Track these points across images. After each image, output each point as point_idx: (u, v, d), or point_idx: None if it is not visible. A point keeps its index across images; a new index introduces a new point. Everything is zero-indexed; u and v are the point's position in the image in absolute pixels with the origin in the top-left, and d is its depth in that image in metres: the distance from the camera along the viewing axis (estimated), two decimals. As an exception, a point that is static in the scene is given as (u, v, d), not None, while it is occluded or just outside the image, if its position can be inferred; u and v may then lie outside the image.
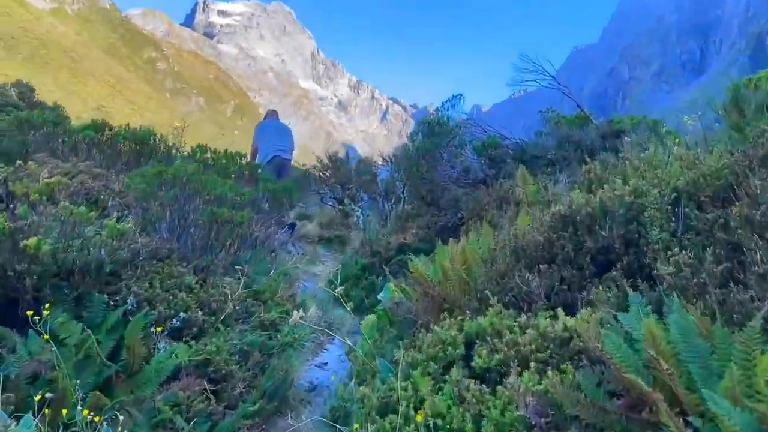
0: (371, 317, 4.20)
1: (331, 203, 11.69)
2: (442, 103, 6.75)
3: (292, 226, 9.08)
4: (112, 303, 3.26)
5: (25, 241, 2.84)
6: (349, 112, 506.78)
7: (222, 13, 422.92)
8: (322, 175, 11.71)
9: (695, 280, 2.16)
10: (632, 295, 2.21)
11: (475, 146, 5.49)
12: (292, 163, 10.56)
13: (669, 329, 1.81)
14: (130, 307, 3.24)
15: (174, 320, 3.28)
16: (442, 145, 5.40)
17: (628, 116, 7.42)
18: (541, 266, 2.79)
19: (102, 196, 4.21)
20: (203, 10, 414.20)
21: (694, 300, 2.10)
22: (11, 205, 3.24)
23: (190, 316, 3.33)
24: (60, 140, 4.62)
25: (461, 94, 6.21)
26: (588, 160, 5.57)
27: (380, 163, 11.45)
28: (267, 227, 5.79)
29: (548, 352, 2.28)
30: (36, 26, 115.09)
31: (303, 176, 12.10)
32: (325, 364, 4.39)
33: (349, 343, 3.76)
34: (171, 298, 3.36)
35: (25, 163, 4.03)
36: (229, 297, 3.62)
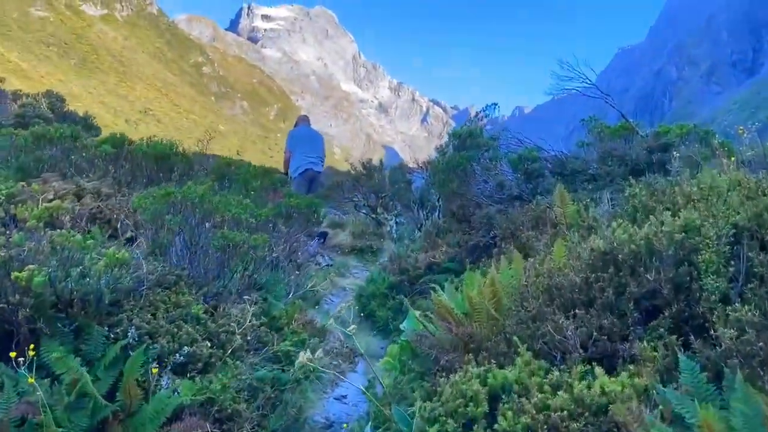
0: (394, 348, 3.91)
1: (364, 211, 11.50)
2: (477, 112, 6.28)
3: (323, 235, 8.95)
4: (112, 336, 3.06)
5: (16, 273, 2.65)
6: (390, 115, 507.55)
7: (266, 17, 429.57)
8: (355, 182, 11.52)
9: (761, 343, 1.79)
10: (683, 360, 1.86)
11: (511, 159, 5.12)
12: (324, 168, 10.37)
13: (731, 417, 1.46)
14: (130, 341, 3.03)
15: (177, 355, 3.06)
16: (475, 159, 5.02)
17: (677, 125, 6.90)
18: (577, 311, 2.44)
19: (114, 217, 4.03)
20: (248, 15, 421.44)
21: (762, 371, 1.73)
22: (9, 231, 3.07)
23: (195, 350, 3.10)
24: (75, 156, 4.48)
25: (496, 104, 5.80)
26: (632, 178, 5.18)
27: (415, 169, 11.20)
28: (291, 243, 5.56)
29: (582, 420, 1.94)
30: (87, 32, 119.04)
31: (336, 185, 11.84)
32: (345, 396, 4.11)
33: (372, 370, 3.48)
34: (175, 330, 3.14)
35: (37, 181, 3.91)
36: (239, 327, 3.38)
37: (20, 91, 10.14)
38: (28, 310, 2.79)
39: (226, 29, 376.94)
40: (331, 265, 7.92)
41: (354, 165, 12.19)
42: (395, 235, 9.89)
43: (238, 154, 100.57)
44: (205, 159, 8.48)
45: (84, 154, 4.67)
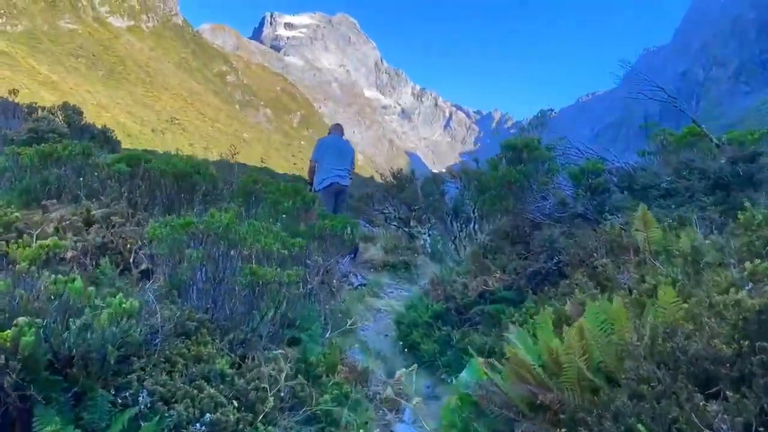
0: (451, 401, 3.31)
1: (395, 223, 10.91)
2: (529, 120, 5.55)
3: (355, 250, 8.36)
4: (119, 401, 2.51)
5: (-1, 332, 2.12)
6: (413, 121, 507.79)
7: (288, 26, 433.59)
8: (386, 193, 10.94)
9: None
10: None
11: (572, 173, 4.47)
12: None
13: None
14: (141, 408, 2.48)
15: (198, 425, 2.50)
16: (533, 174, 4.33)
17: (748, 131, 6.22)
18: (727, 392, 1.81)
19: (127, 247, 3.51)
20: (270, 23, 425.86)
21: None
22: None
23: (220, 416, 2.54)
24: (86, 177, 3.98)
25: (551, 109, 5.18)
26: (716, 194, 4.52)
27: (448, 179, 10.63)
28: (325, 269, 5.01)
29: None
30: (115, 44, 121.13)
31: (366, 197, 11.28)
32: (395, 459, 3.51)
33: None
34: (196, 392, 2.58)
35: (36, 210, 3.42)
36: (272, 385, 2.81)
37: (35, 103, 9.78)
38: (14, 375, 2.26)
39: (249, 38, 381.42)
40: (365, 285, 7.29)
41: (384, 175, 11.61)
42: (429, 250, 9.28)
43: (262, 161, 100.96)
44: (230, 171, 7.91)
45: (96, 174, 4.17)
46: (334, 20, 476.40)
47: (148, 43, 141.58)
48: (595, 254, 3.80)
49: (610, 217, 4.20)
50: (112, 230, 3.51)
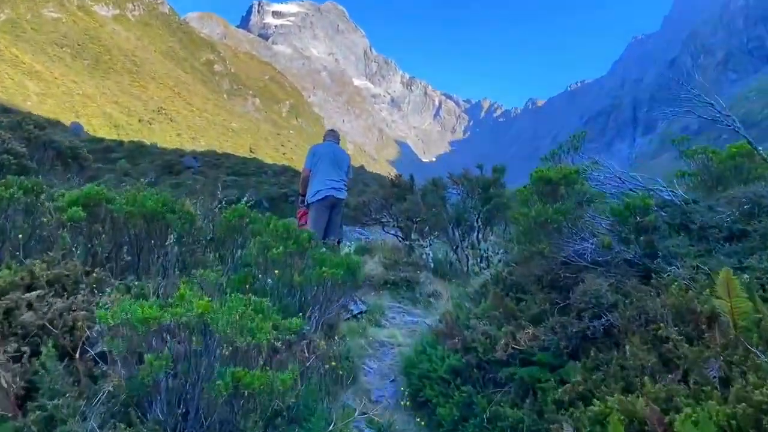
0: None
1: (393, 232, 10.27)
2: (560, 145, 4.62)
3: None
4: None
5: None
6: (402, 109, 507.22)
7: (276, 14, 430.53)
8: (384, 202, 10.28)
9: None
10: None
11: (614, 209, 3.72)
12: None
13: None
14: None
15: None
16: (572, 213, 3.48)
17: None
18: None
19: (78, 324, 2.79)
20: (258, 11, 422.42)
21: None
22: None
23: None
24: (30, 226, 3.20)
25: (585, 132, 4.18)
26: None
27: (450, 185, 9.95)
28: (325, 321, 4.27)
29: None
30: (100, 33, 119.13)
31: (362, 205, 10.51)
32: None
33: None
34: None
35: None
36: None
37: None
38: None
39: (236, 26, 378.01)
40: (364, 312, 6.53)
41: (382, 185, 10.91)
42: (432, 265, 8.60)
43: (251, 152, 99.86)
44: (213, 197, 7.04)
45: (45, 220, 3.39)
46: (322, 8, 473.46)
47: (135, 32, 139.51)
48: (659, 321, 3.09)
49: (664, 265, 3.46)
50: (60, 299, 2.79)
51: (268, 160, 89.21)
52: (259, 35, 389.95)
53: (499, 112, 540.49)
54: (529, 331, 3.92)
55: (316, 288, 3.87)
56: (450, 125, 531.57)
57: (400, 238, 9.85)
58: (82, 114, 78.90)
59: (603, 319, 3.54)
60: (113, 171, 40.74)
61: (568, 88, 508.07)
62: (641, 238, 3.62)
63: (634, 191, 4.00)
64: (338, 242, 7.93)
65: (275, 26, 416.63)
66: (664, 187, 3.80)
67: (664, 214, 3.66)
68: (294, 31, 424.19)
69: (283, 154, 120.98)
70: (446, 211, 9.27)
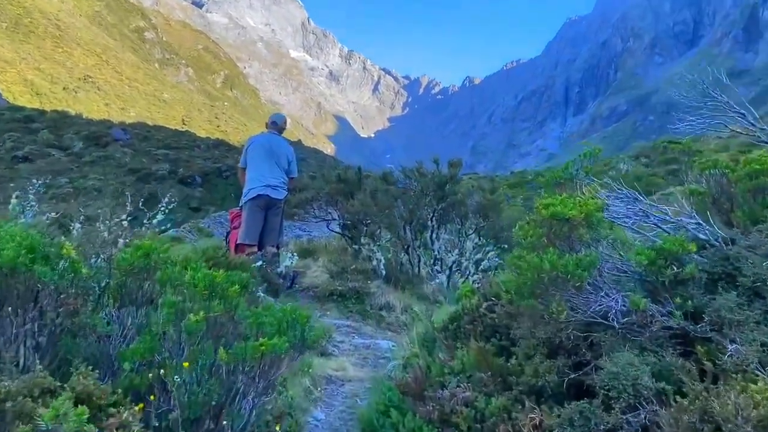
0: None
1: (338, 230, 9.26)
2: (573, 159, 3.69)
3: (293, 278, 6.98)
4: None
5: None
6: (341, 83, 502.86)
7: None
8: (329, 199, 9.38)
9: None
10: None
11: (643, 254, 2.63)
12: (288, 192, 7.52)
13: None
14: None
15: None
16: (596, 265, 2.31)
17: None
18: None
19: None
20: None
21: None
22: None
23: None
24: None
25: (600, 149, 3.57)
26: None
27: (402, 178, 9.31)
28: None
29: None
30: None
31: (305, 202, 9.76)
32: None
33: None
34: None
35: None
36: None
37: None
38: None
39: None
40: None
41: (328, 177, 9.66)
42: (383, 272, 7.73)
43: (183, 123, 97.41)
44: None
45: None
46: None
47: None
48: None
49: (719, 338, 2.36)
50: None
51: (202, 133, 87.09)
52: (193, 3, 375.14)
53: (437, 89, 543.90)
54: (535, 417, 2.69)
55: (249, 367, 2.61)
56: (389, 101, 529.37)
57: (347, 238, 8.97)
58: (0, 80, 74.58)
59: (641, 413, 2.39)
60: (35, 142, 39.23)
61: (504, 68, 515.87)
62: (679, 294, 2.54)
63: (659, 226, 3.21)
64: (277, 248, 7.05)
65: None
66: (699, 222, 2.93)
67: (702, 259, 2.65)
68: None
69: (217, 126, 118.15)
70: (399, 210, 8.56)
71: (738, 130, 4.31)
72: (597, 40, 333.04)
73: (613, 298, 2.61)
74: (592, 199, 3.07)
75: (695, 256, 2.73)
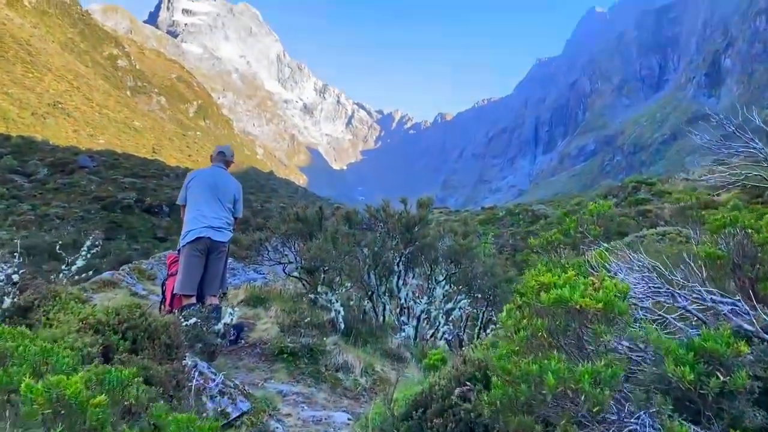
0: None
1: (296, 274, 8.06)
2: (575, 218, 3.31)
3: (238, 330, 5.84)
4: None
5: None
6: (315, 116, 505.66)
7: (187, 11, 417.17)
8: (285, 241, 8.20)
9: None
10: None
11: (679, 358, 1.80)
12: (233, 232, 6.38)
13: None
14: None
15: None
16: (618, 380, 1.84)
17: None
18: None
19: None
20: (167, 8, 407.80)
21: None
22: None
23: None
24: None
25: (609, 204, 3.24)
26: None
27: (366, 218, 8.39)
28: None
29: None
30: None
31: (257, 243, 8.36)
32: None
33: None
34: None
35: None
36: None
37: None
38: None
39: (144, 22, 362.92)
40: (246, 413, 3.91)
41: (286, 213, 8.48)
42: (342, 326, 6.67)
43: (154, 152, 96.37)
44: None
45: None
46: (235, 9, 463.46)
47: (30, 20, 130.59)
48: None
49: None
50: None
51: (172, 162, 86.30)
52: (168, 32, 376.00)
53: (410, 123, 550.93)
54: None
55: None
56: (362, 134, 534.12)
57: (304, 282, 7.89)
58: (-37, 105, 73.17)
59: None
60: (-5, 169, 38.30)
61: (476, 105, 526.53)
62: (726, 413, 1.79)
63: (691, 312, 2.29)
64: (220, 298, 6.13)
65: (185, 24, 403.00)
66: (736, 303, 2.24)
67: (749, 357, 1.93)
68: (205, 30, 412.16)
69: (189, 155, 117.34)
70: (362, 253, 7.72)
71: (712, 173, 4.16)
72: (566, 81, 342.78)
73: (640, 421, 1.85)
74: (610, 278, 2.20)
75: (750, 357, 1.91)
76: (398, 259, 7.51)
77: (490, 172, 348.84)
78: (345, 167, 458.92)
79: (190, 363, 3.66)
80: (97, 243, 4.97)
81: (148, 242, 30.30)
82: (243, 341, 5.90)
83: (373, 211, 8.12)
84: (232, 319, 5.13)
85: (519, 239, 25.89)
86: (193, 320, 4.50)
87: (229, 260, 6.90)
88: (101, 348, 2.88)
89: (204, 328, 4.67)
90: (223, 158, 6.43)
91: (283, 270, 8.42)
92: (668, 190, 22.63)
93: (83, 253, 4.78)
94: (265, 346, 5.79)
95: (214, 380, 3.79)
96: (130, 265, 9.93)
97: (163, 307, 5.76)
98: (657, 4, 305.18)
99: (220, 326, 4.99)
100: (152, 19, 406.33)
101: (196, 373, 3.57)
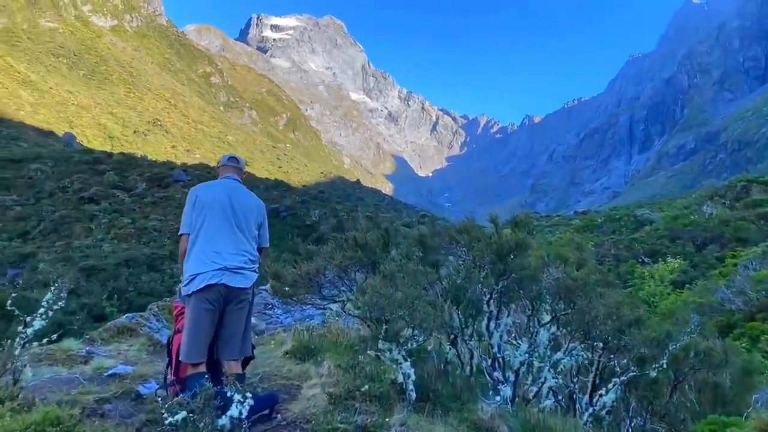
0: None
1: (357, 313, 5.64)
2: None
3: (272, 403, 4.12)
4: None
5: None
6: (399, 124, 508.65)
7: (275, 27, 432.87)
8: (343, 273, 6.10)
9: None
10: None
11: None
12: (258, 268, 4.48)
13: None
14: None
15: None
16: None
17: None
18: None
19: None
20: (257, 24, 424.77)
21: None
22: None
23: None
24: None
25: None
26: None
27: (445, 243, 6.52)
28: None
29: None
30: (97, 43, 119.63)
31: (310, 276, 6.03)
32: None
33: None
34: None
35: None
36: None
37: None
38: None
39: (235, 39, 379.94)
40: None
41: (343, 242, 6.44)
42: (413, 395, 4.63)
43: (246, 165, 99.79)
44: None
45: None
46: (321, 23, 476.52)
47: (132, 43, 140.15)
48: None
49: None
50: None
51: (264, 174, 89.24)
52: (258, 48, 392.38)
53: (496, 128, 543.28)
54: None
55: None
56: (447, 140, 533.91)
57: (368, 324, 5.56)
58: (76, 124, 79.12)
59: None
60: (101, 183, 40.57)
61: (565, 105, 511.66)
62: None
63: None
64: (244, 365, 4.31)
65: (273, 40, 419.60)
66: None
67: None
68: (292, 44, 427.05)
69: (279, 167, 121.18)
70: (440, 285, 6.06)
71: None
72: (661, 77, 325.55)
73: None
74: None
75: None
76: (488, 297, 5.79)
77: (581, 174, 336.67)
78: (430, 174, 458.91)
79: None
80: (63, 291, 3.76)
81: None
82: (278, 416, 4.12)
83: (454, 233, 6.30)
84: (241, 413, 3.18)
85: (622, 248, 23.96)
86: (181, 415, 3.01)
87: (271, 298, 5.07)
88: None
89: (199, 426, 3.05)
90: (236, 166, 4.60)
91: (343, 308, 6.15)
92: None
93: (41, 311, 3.58)
94: (307, 426, 3.97)
95: None
96: (160, 303, 8.23)
97: (169, 372, 4.12)
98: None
99: (225, 421, 3.19)
100: (242, 36, 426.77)
101: None
